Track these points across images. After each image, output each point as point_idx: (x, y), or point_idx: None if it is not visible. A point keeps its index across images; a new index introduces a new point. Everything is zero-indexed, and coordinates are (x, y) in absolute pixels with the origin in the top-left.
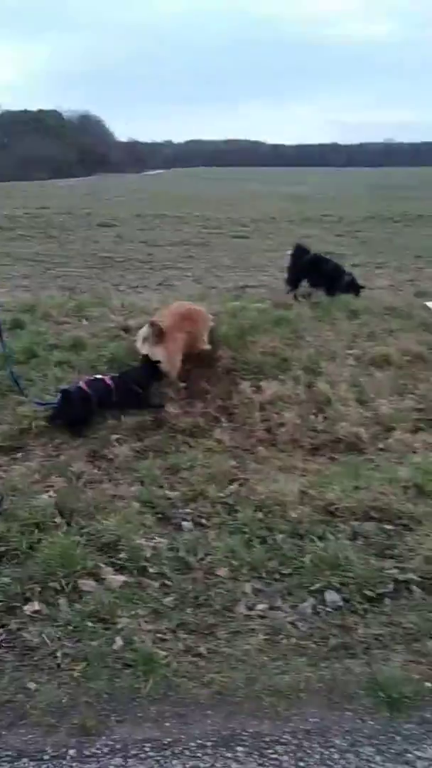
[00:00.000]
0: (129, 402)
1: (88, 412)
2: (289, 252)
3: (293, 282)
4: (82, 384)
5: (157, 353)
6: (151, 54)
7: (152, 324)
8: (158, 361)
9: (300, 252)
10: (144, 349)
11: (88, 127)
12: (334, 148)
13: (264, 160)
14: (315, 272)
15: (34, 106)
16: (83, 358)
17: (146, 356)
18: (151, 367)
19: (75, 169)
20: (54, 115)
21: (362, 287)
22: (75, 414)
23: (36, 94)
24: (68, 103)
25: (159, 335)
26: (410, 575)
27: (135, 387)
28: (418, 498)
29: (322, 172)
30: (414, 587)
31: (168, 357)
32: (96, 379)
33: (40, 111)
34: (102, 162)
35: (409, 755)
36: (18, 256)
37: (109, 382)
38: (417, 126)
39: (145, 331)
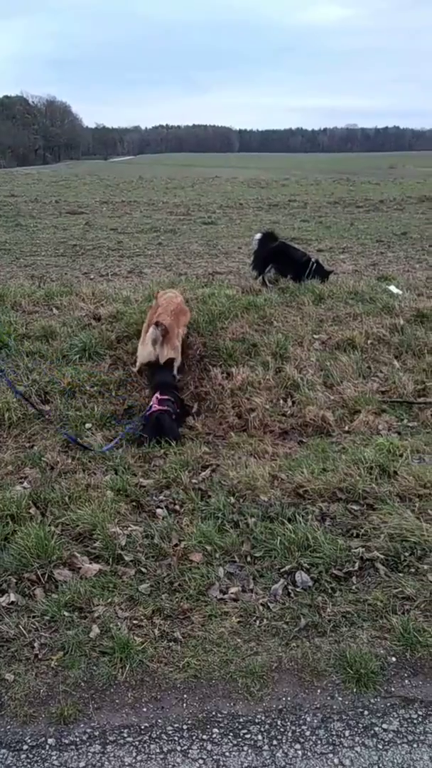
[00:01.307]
0: (183, 411)
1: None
2: (258, 237)
3: (260, 268)
4: (157, 405)
5: (169, 353)
6: (120, 39)
7: (158, 324)
8: (172, 359)
9: (267, 239)
10: (156, 351)
11: (56, 113)
12: (299, 133)
13: (231, 146)
14: (282, 260)
15: None
16: (54, 348)
17: (170, 360)
18: (170, 369)
19: (42, 156)
20: (20, 101)
21: (330, 272)
22: (171, 432)
23: (1, 79)
24: (34, 89)
25: (165, 335)
26: (375, 553)
27: (178, 394)
28: (381, 478)
29: (288, 158)
30: (379, 565)
31: (175, 354)
32: (166, 399)
33: (6, 97)
34: (70, 148)
35: (377, 728)
36: None
37: (168, 396)
38: (377, 112)
39: (152, 333)
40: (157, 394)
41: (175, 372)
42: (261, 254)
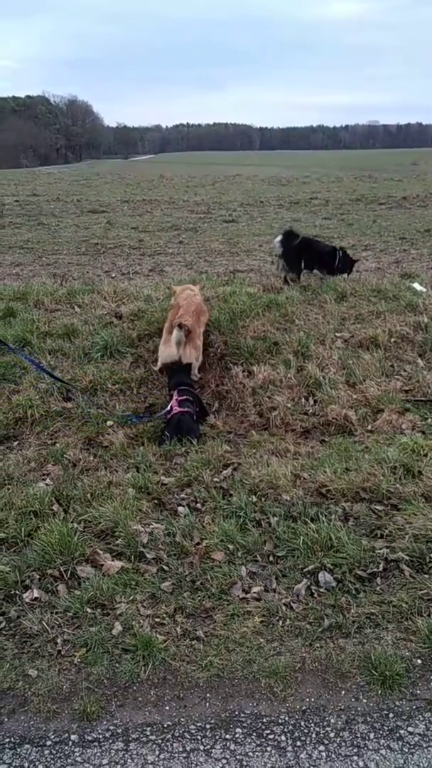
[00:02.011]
0: (202, 410)
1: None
2: (278, 239)
3: (296, 267)
4: (178, 408)
5: (191, 354)
6: (141, 38)
7: (181, 326)
8: (190, 363)
9: (289, 238)
10: (179, 352)
11: (77, 113)
12: (320, 130)
13: (252, 144)
14: (308, 254)
15: (22, 92)
16: (76, 346)
17: (189, 363)
18: (188, 368)
19: (64, 156)
20: (42, 101)
21: (357, 260)
22: (192, 432)
23: (24, 79)
24: (56, 88)
25: (187, 335)
26: (400, 554)
27: (196, 393)
28: (406, 478)
29: (309, 155)
30: (403, 566)
31: (197, 355)
32: (184, 400)
33: (28, 97)
34: (91, 147)
35: (402, 731)
36: (9, 244)
37: (186, 397)
38: (399, 107)
39: (176, 335)
40: (175, 395)
41: (195, 371)
42: (290, 252)
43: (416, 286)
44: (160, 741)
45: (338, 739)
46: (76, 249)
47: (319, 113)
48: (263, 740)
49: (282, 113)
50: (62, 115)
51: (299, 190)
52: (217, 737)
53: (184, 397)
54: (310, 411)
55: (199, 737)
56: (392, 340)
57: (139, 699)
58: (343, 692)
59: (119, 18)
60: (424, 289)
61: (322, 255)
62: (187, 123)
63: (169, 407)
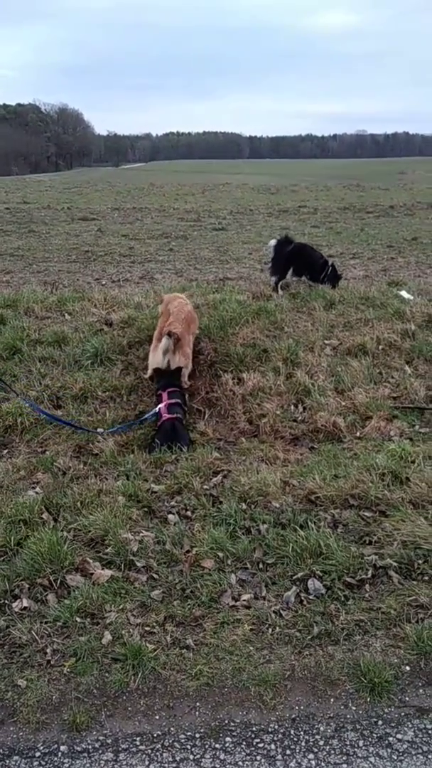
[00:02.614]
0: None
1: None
2: (272, 243)
3: (280, 272)
4: (167, 414)
5: (180, 361)
6: (131, 47)
7: (170, 334)
8: (180, 368)
9: (283, 243)
10: (167, 359)
11: (68, 121)
12: (309, 139)
13: (241, 152)
14: (300, 261)
15: (12, 100)
16: (66, 353)
17: (178, 368)
18: (178, 374)
19: (55, 163)
20: (33, 109)
21: (341, 276)
22: (182, 438)
23: (14, 87)
24: (47, 97)
25: (177, 343)
26: (388, 561)
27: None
28: (394, 485)
29: (298, 164)
30: (392, 572)
31: (186, 362)
32: (174, 404)
33: (19, 105)
34: (82, 155)
35: (391, 738)
36: None
37: (177, 400)
38: (387, 117)
39: (165, 343)
40: (165, 397)
41: (185, 379)
42: (280, 258)
43: (404, 293)
44: (149, 751)
45: (328, 747)
46: (67, 256)
47: (309, 122)
48: (253, 749)
49: (271, 122)
50: (53, 123)
51: (288, 198)
52: (207, 746)
53: (174, 400)
54: (299, 418)
55: (188, 746)
56: (380, 347)
57: (129, 709)
58: (332, 700)
59: (108, 27)
60: (412, 297)
61: (314, 265)
62: (177, 131)
63: (157, 409)
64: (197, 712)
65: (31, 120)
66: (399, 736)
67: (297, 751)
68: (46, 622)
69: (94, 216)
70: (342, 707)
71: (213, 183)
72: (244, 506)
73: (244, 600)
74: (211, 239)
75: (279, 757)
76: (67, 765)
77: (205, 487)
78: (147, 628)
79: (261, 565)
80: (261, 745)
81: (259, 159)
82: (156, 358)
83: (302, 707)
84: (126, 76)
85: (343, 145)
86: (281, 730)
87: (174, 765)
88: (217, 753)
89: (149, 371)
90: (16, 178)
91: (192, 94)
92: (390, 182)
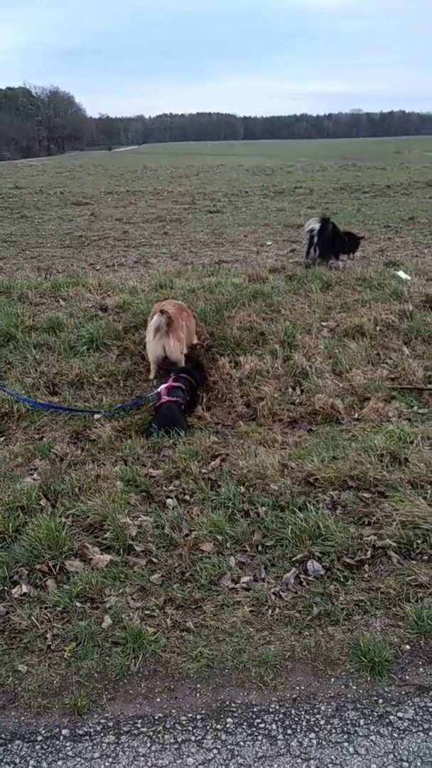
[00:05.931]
0: (192, 401)
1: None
2: (315, 225)
3: (329, 253)
4: (167, 396)
5: (170, 343)
6: (123, 28)
7: (162, 312)
8: (178, 358)
9: (326, 225)
10: (161, 344)
11: (59, 104)
12: (304, 119)
13: (235, 133)
14: (340, 241)
15: (2, 84)
16: (61, 339)
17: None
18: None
19: (46, 148)
20: (23, 92)
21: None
22: (179, 423)
23: (3, 71)
24: (38, 80)
25: (169, 324)
26: (387, 541)
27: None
28: (392, 465)
29: (293, 144)
30: (391, 553)
31: (181, 347)
32: (176, 387)
33: (9, 89)
34: (74, 139)
35: (392, 717)
36: None
37: (180, 384)
38: (383, 96)
39: (157, 320)
40: (171, 378)
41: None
42: (326, 239)
43: (401, 274)
44: (151, 733)
45: (329, 726)
46: (60, 242)
47: (303, 102)
48: (254, 729)
49: (265, 102)
50: (44, 106)
51: (284, 179)
52: (208, 728)
53: (178, 384)
54: (297, 400)
55: (190, 728)
56: (378, 328)
57: (130, 692)
58: (332, 679)
59: (100, 8)
60: (409, 277)
61: (343, 240)
62: (170, 113)
63: (158, 391)
64: (198, 694)
65: (21, 104)
66: (399, 714)
67: (298, 730)
68: (45, 608)
69: (88, 200)
70: (342, 687)
71: (207, 165)
72: (243, 489)
73: (243, 582)
74: (206, 222)
75: (280, 737)
76: (69, 748)
77: (203, 471)
78: (147, 612)
79: (260, 548)
80: (262, 725)
81: (254, 140)
82: (149, 339)
83: (303, 687)
84: (119, 58)
85: (339, 125)
86: (282, 710)
87: (176, 747)
88: (219, 734)
89: (152, 373)
90: (7, 163)
91: (185, 75)
92: (386, 162)
